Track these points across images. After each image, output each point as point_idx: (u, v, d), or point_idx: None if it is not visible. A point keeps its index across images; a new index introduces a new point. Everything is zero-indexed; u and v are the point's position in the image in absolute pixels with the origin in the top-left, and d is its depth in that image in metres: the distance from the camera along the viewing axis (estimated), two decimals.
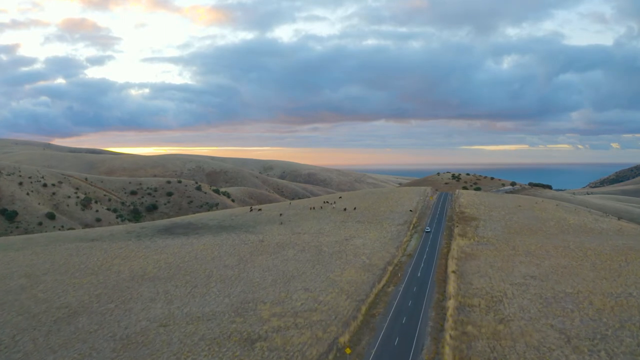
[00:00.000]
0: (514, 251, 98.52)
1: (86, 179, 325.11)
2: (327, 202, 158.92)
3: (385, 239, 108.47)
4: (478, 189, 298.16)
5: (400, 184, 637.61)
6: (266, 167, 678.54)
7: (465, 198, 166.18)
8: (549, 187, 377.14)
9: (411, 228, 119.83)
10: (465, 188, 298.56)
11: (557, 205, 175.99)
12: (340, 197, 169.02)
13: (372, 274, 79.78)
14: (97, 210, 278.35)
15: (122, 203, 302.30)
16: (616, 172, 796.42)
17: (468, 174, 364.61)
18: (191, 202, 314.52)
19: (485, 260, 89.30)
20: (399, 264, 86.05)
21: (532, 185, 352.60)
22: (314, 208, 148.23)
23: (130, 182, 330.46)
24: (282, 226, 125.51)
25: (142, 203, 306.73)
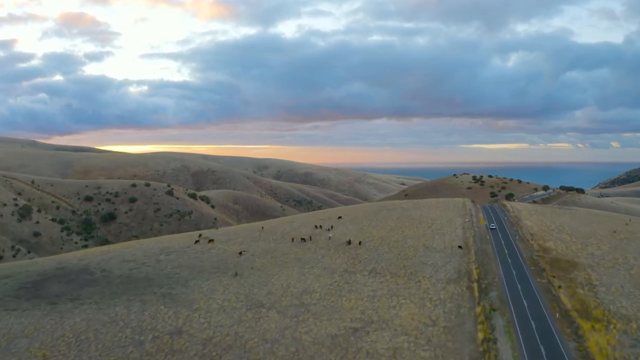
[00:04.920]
0: None
1: (33, 181, 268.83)
2: (320, 226, 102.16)
3: (437, 333, 51.83)
4: (510, 195, 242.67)
5: (404, 185, 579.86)
6: (260, 166, 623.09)
7: (530, 219, 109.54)
8: (582, 191, 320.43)
9: (476, 292, 62.37)
10: (493, 194, 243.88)
11: None
12: (340, 217, 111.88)
13: None
14: (37, 222, 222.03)
15: (73, 212, 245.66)
16: (627, 172, 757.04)
17: (490, 176, 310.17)
18: (158, 209, 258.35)
19: None
20: None
21: (564, 189, 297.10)
22: (303, 239, 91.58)
23: (87, 186, 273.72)
24: (236, 281, 69.44)
25: (98, 211, 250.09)
